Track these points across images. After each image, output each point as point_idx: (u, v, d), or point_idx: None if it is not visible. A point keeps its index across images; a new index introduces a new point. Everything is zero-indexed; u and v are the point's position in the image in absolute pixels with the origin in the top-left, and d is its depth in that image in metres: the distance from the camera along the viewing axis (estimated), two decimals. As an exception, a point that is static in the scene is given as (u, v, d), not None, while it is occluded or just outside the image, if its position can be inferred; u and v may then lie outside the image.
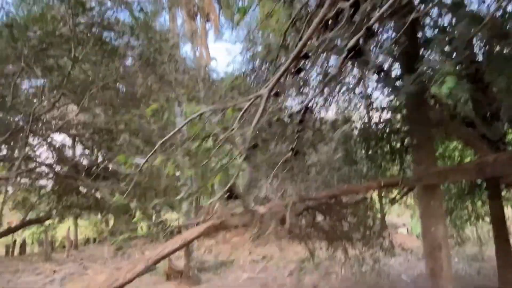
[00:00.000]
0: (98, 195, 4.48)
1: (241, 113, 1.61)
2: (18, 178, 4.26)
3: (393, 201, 5.19)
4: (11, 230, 4.10)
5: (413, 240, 12.19)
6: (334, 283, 7.90)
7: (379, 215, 6.10)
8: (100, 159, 4.63)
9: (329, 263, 10.12)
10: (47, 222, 11.05)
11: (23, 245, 16.47)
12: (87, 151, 4.59)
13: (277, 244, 13.43)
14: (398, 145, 5.56)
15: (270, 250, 13.12)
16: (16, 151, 4.83)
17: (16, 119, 4.37)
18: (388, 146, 5.57)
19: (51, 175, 4.58)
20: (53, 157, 4.66)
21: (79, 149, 4.66)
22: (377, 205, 7.15)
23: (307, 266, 9.39)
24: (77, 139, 4.67)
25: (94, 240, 18.41)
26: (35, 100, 4.34)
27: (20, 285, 9.73)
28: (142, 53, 4.38)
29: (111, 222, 18.00)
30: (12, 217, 19.53)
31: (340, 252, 6.46)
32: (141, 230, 20.03)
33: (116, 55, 4.54)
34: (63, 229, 15.65)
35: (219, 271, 9.71)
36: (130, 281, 3.46)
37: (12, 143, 4.61)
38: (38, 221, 4.39)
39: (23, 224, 4.36)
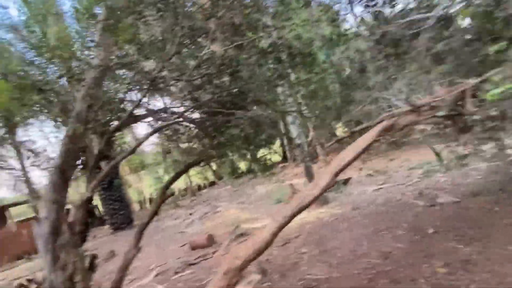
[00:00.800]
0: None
1: None
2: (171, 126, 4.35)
3: None
4: (179, 174, 4.38)
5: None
6: (477, 179, 7.22)
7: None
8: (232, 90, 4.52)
9: (457, 162, 9.36)
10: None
11: (150, 199, 19.05)
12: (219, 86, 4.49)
13: (386, 155, 12.95)
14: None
15: (380, 164, 12.72)
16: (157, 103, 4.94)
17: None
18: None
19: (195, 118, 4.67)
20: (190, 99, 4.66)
21: (211, 86, 4.56)
22: None
23: (435, 168, 8.80)
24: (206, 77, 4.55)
25: (204, 185, 20.25)
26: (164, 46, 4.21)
27: (168, 228, 11.23)
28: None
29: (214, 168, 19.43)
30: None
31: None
32: (239, 169, 21.35)
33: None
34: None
35: (341, 189, 9.74)
36: (318, 196, 3.38)
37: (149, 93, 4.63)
38: (197, 163, 4.62)
39: (188, 167, 4.65)
